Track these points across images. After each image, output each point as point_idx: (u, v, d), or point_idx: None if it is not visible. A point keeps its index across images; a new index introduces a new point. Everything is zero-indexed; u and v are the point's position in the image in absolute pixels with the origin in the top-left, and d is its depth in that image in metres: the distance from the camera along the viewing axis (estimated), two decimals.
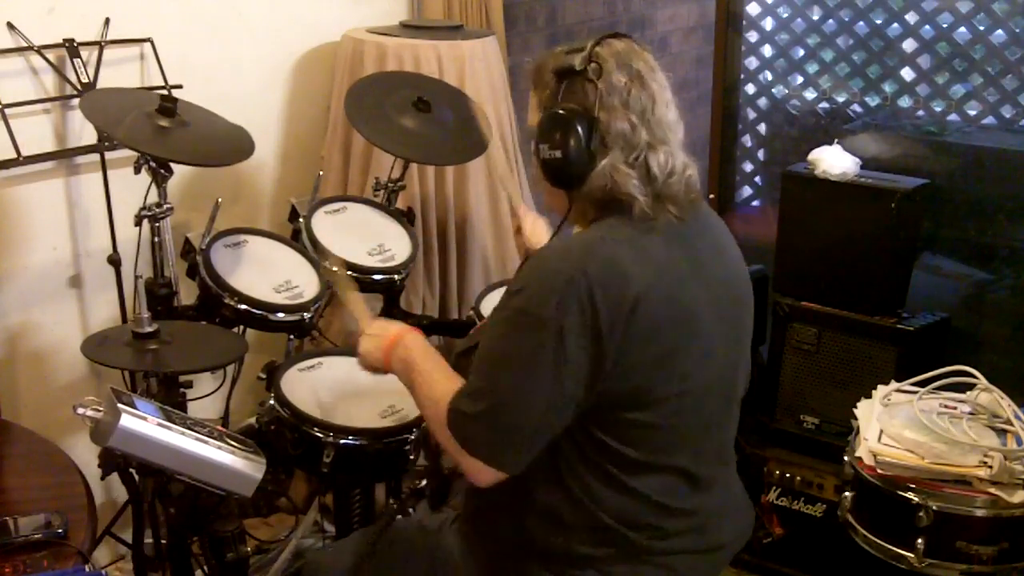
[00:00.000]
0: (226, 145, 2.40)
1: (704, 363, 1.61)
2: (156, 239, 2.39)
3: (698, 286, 1.60)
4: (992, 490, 2.04)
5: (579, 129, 1.56)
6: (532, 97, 1.68)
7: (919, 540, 2.07)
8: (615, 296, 1.50)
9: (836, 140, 2.75)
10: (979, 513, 2.05)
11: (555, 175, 1.62)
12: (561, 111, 1.58)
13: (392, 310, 2.66)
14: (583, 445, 1.59)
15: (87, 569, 1.67)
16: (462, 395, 1.60)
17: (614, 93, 1.57)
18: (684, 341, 1.57)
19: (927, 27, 2.80)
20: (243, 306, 2.29)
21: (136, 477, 1.89)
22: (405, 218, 2.73)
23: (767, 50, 3.10)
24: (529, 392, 1.53)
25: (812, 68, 3.00)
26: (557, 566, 1.65)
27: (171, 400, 2.19)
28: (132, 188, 2.49)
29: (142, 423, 1.67)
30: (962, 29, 2.75)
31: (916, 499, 2.07)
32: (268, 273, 2.40)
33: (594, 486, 1.60)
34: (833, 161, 2.65)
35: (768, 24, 3.08)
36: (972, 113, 2.78)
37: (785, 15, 3.03)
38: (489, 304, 2.64)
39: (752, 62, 3.12)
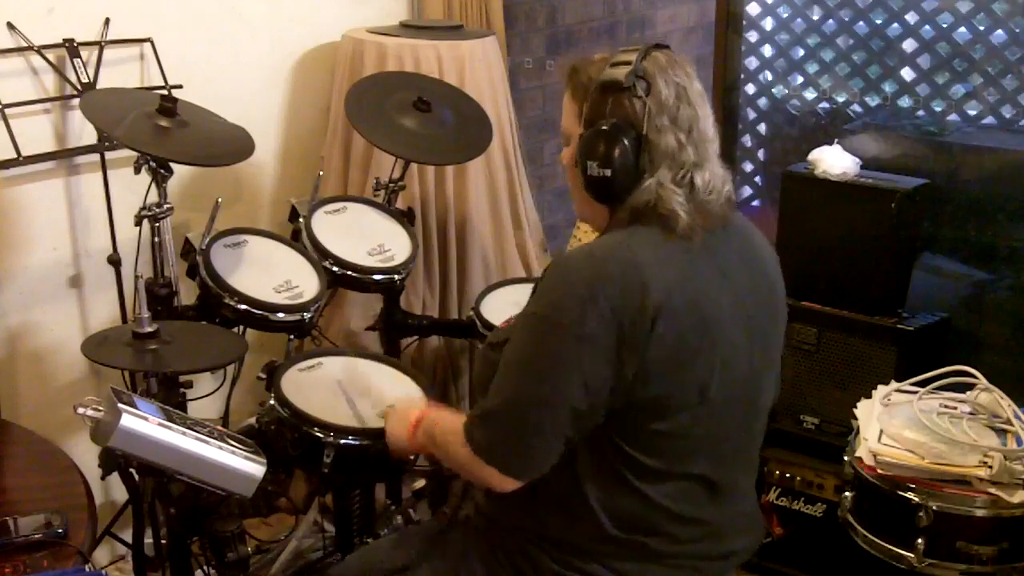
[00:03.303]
0: (226, 145, 2.40)
1: (725, 372, 1.60)
2: (156, 239, 2.39)
3: (721, 294, 1.59)
4: (992, 490, 2.04)
5: (627, 146, 1.56)
6: (568, 103, 1.67)
7: (919, 540, 2.07)
8: (636, 304, 1.50)
9: (836, 140, 2.75)
10: (979, 513, 2.05)
11: (601, 192, 1.61)
12: (608, 128, 1.57)
13: (392, 310, 2.67)
14: (602, 450, 1.59)
15: (87, 569, 1.67)
16: (480, 407, 1.61)
17: (663, 111, 1.57)
18: (705, 349, 1.56)
19: (927, 27, 2.80)
20: (243, 306, 2.29)
21: (136, 477, 1.89)
22: (405, 218, 2.73)
23: (767, 50, 3.10)
24: (547, 398, 1.53)
25: (812, 68, 3.00)
26: (562, 555, 1.65)
27: (171, 400, 2.20)
28: (132, 188, 2.49)
29: (142, 423, 1.66)
30: (962, 29, 2.75)
31: (916, 499, 2.07)
32: (268, 273, 2.40)
33: (610, 492, 1.60)
34: (833, 161, 2.65)
35: (768, 24, 3.08)
36: (972, 113, 2.78)
37: (785, 15, 3.03)
38: (489, 304, 2.64)
39: (752, 62, 3.12)
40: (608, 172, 1.57)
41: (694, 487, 1.64)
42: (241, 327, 2.35)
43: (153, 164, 2.29)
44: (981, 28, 2.72)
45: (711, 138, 1.62)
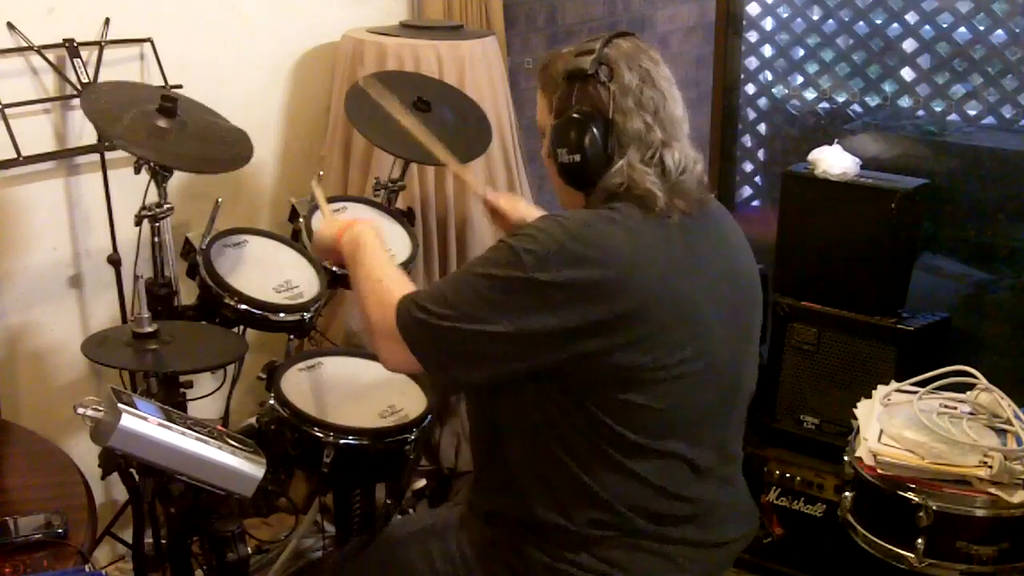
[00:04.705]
0: (224, 150, 2.40)
1: (701, 352, 1.61)
2: (156, 239, 2.39)
3: (695, 276, 1.62)
4: (992, 490, 2.04)
5: (595, 132, 1.60)
6: (541, 98, 1.71)
7: (919, 540, 2.07)
8: (600, 269, 1.52)
9: (836, 140, 2.75)
10: (979, 513, 2.05)
11: (574, 178, 1.65)
12: (577, 115, 1.61)
13: None
14: (581, 425, 1.60)
15: (87, 569, 1.67)
16: (423, 291, 1.64)
17: (627, 94, 1.61)
18: (675, 326, 1.58)
19: (927, 27, 2.80)
20: (243, 306, 2.29)
21: (136, 477, 1.89)
22: (405, 218, 2.73)
23: (767, 50, 3.10)
24: (484, 324, 1.54)
25: (812, 68, 3.00)
26: (553, 548, 1.66)
27: (171, 400, 2.19)
28: (132, 188, 2.49)
29: (142, 423, 1.66)
30: (962, 29, 2.75)
31: (916, 499, 2.07)
32: (268, 273, 2.40)
33: (593, 466, 1.62)
34: (833, 161, 2.65)
35: (768, 24, 3.08)
36: (972, 113, 2.78)
37: (785, 15, 3.03)
38: None
39: (752, 62, 3.12)
40: (578, 158, 1.61)
41: (674, 465, 1.64)
42: (241, 327, 2.35)
43: (153, 164, 2.29)
44: (981, 28, 2.72)
45: (679, 119, 1.65)
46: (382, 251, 1.80)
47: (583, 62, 1.62)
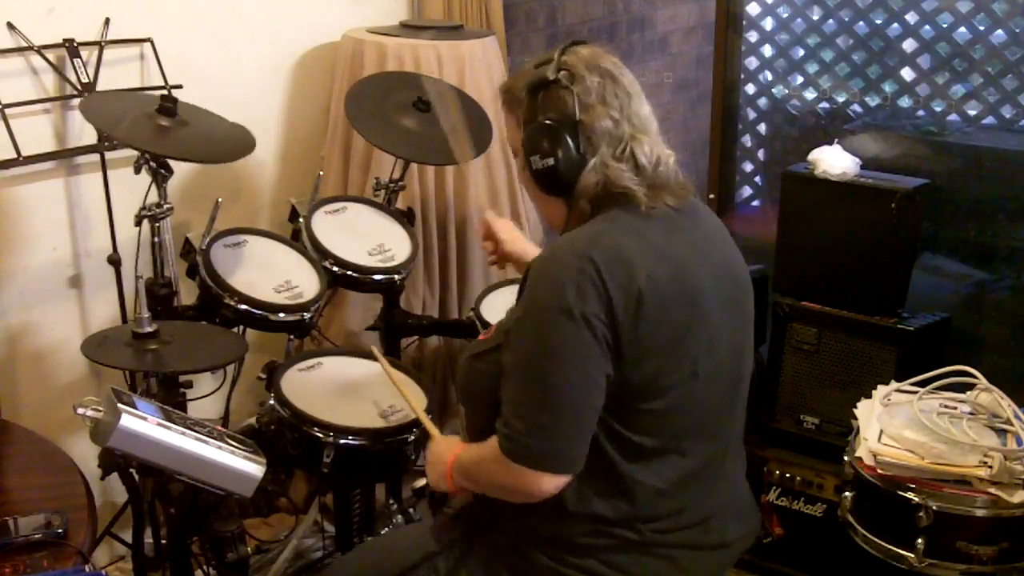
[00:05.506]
0: (227, 143, 2.40)
1: (712, 346, 1.63)
2: (156, 239, 2.39)
3: (700, 270, 1.63)
4: (992, 490, 2.04)
5: (565, 135, 1.60)
6: (508, 117, 1.72)
7: (919, 540, 2.07)
8: (623, 283, 1.53)
9: (836, 140, 2.75)
10: (979, 513, 2.05)
11: (550, 183, 1.65)
12: (545, 121, 1.62)
13: (392, 310, 2.67)
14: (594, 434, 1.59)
15: (87, 569, 1.67)
16: (505, 418, 1.59)
17: (591, 94, 1.62)
18: (693, 325, 1.59)
19: (927, 27, 2.80)
20: (243, 306, 2.29)
21: (136, 477, 1.89)
22: (405, 218, 2.73)
23: (767, 50, 3.10)
24: (571, 383, 1.54)
25: (812, 68, 3.00)
26: (557, 553, 1.65)
27: (171, 400, 2.20)
28: (132, 188, 2.49)
29: (142, 423, 1.67)
30: (962, 29, 2.75)
31: (916, 499, 2.07)
32: (268, 273, 2.41)
33: (599, 477, 1.61)
34: (833, 161, 2.65)
35: (768, 24, 3.08)
36: (972, 113, 2.78)
37: (785, 15, 3.03)
38: (489, 304, 2.64)
39: (752, 62, 3.12)
40: (551, 161, 1.61)
41: (682, 466, 1.64)
42: (241, 327, 2.35)
43: (153, 164, 2.29)
44: (981, 28, 2.72)
45: (646, 117, 1.66)
46: (472, 450, 1.73)
47: (544, 71, 1.63)
